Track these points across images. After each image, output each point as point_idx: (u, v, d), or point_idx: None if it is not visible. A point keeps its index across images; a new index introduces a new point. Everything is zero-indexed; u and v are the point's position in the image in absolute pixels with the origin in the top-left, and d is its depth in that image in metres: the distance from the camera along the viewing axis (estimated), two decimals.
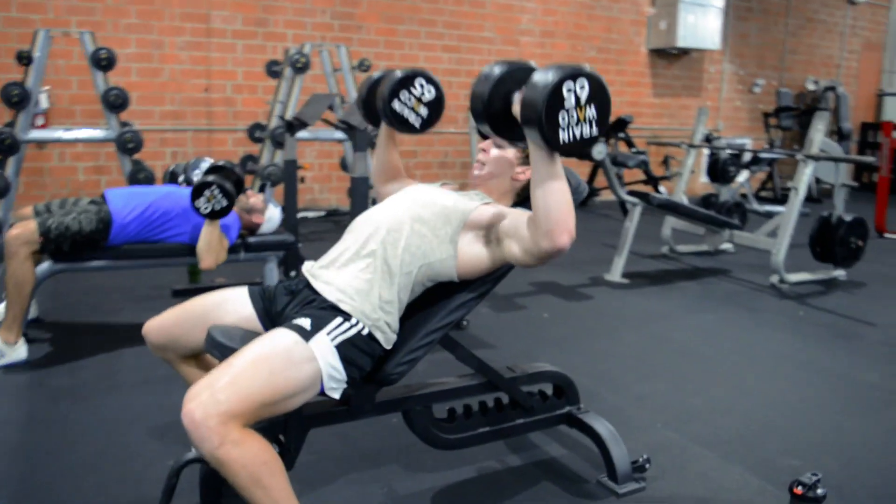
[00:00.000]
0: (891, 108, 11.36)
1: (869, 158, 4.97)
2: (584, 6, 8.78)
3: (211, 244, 3.25)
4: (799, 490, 2.02)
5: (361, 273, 1.89)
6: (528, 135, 1.63)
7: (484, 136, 2.21)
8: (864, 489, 2.38)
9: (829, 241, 4.97)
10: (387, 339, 1.90)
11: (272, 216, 3.73)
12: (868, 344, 3.89)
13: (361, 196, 3.43)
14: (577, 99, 1.56)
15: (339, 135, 5.81)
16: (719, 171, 6.14)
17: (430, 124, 2.26)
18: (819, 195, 9.23)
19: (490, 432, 2.30)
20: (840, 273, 5.20)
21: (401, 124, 2.20)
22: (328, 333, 1.77)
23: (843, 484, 2.38)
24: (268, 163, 5.65)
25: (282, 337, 1.71)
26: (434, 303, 2.03)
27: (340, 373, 1.78)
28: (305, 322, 1.77)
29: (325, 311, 1.83)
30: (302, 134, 5.38)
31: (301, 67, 5.61)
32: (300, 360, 1.70)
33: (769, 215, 7.09)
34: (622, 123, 7.92)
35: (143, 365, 3.14)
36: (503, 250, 1.88)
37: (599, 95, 1.58)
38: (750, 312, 4.41)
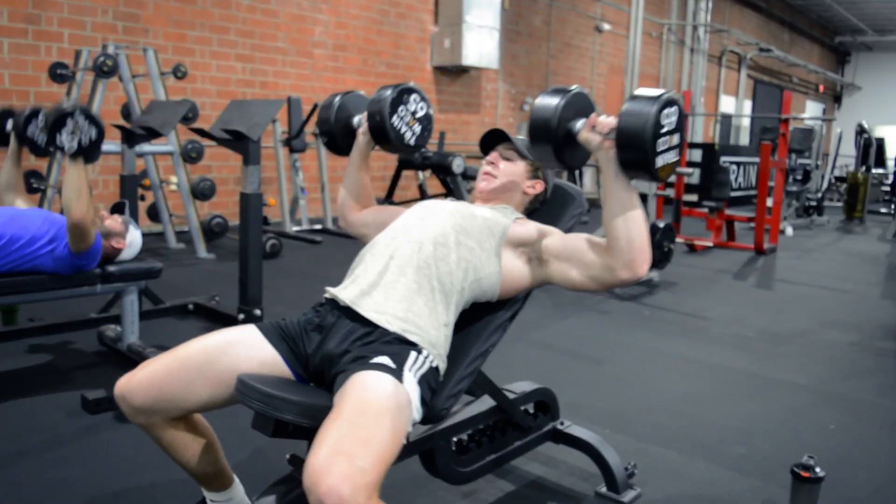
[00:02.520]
0: None
1: (688, 170, 5.50)
2: (373, 21, 8.77)
3: (81, 190, 2.65)
4: (806, 473, 2.14)
5: (416, 295, 1.67)
6: (609, 163, 1.61)
7: (485, 151, 2.09)
8: (791, 464, 2.58)
9: None
10: (443, 368, 1.70)
11: (133, 240, 3.19)
12: (716, 336, 4.30)
13: (256, 214, 3.08)
14: (668, 127, 1.57)
15: (162, 147, 5.18)
16: None
17: (424, 142, 2.11)
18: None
19: (495, 459, 2.16)
20: (654, 274, 5.70)
21: (398, 142, 2.02)
22: (410, 370, 1.54)
23: (773, 461, 2.57)
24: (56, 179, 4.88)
25: (380, 381, 1.45)
26: (470, 325, 1.86)
27: (420, 414, 1.55)
28: (386, 360, 1.52)
29: (393, 345, 1.59)
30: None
31: (108, 71, 4.92)
32: (405, 405, 1.46)
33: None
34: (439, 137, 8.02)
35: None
36: (550, 272, 1.78)
37: (681, 123, 1.61)
38: (604, 315, 4.66)
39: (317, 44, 8.20)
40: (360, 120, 2.09)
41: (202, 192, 5.50)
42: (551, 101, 1.67)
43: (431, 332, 1.65)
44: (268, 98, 7.56)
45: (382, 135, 1.99)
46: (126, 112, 5.66)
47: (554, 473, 2.45)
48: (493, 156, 2.02)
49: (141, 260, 3.22)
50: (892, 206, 11.90)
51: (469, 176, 5.32)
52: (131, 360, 3.16)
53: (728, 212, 7.91)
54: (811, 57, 20.46)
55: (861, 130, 11.34)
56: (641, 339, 4.17)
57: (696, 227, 8.50)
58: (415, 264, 1.70)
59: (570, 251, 1.74)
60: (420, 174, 8.18)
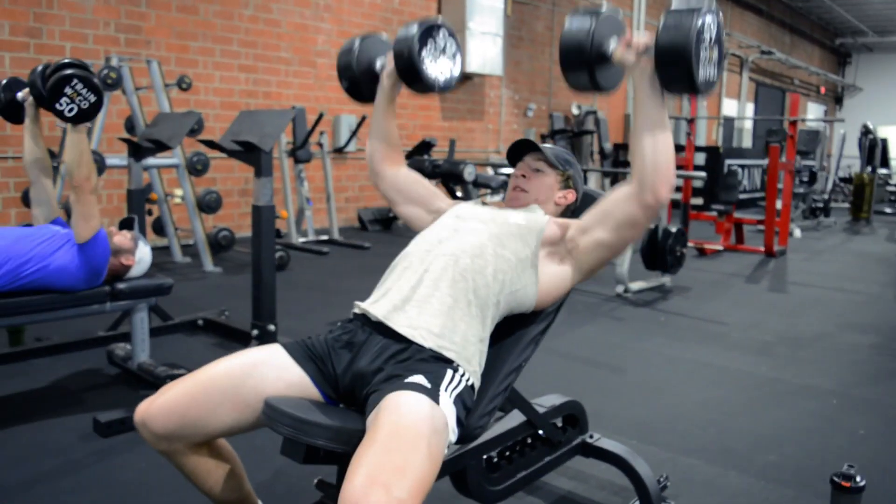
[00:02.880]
0: None
1: (698, 174, 5.44)
2: (376, 29, 8.71)
3: (83, 154, 2.64)
4: (847, 483, 2.07)
5: (452, 311, 1.60)
6: (644, 80, 1.57)
7: (514, 163, 2.02)
8: (826, 473, 2.50)
9: (659, 250, 5.36)
10: (478, 385, 1.63)
11: (143, 256, 3.13)
12: (735, 341, 4.22)
13: (268, 226, 3.01)
14: (710, 38, 1.52)
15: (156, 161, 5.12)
16: None
17: (454, 82, 1.99)
18: None
19: (526, 476, 2.09)
20: (667, 279, 5.63)
21: (427, 80, 1.89)
22: (446, 390, 1.47)
23: (806, 470, 2.50)
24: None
25: (416, 403, 1.38)
26: (502, 340, 1.79)
27: (455, 435, 1.48)
28: (421, 379, 1.45)
29: (428, 363, 1.52)
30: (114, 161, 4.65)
31: (112, 84, 4.86)
32: (441, 429, 1.39)
33: None
34: (427, 146, 7.94)
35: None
36: (582, 255, 1.76)
37: (720, 37, 1.57)
38: (619, 322, 4.59)
39: (320, 53, 8.15)
40: (383, 62, 1.98)
41: (208, 204, 5.45)
42: (583, 23, 1.62)
43: (468, 349, 1.58)
44: (272, 108, 7.52)
45: (412, 74, 1.87)
46: (130, 125, 5.61)
47: (584, 488, 2.38)
48: (522, 167, 1.95)
49: (150, 276, 3.15)
50: None
51: (480, 184, 5.26)
52: (142, 379, 3.10)
53: (736, 215, 7.85)
54: (812, 59, 20.42)
55: (866, 131, 11.29)
56: (659, 345, 4.09)
57: (705, 231, 8.43)
58: (450, 277, 1.63)
59: (590, 216, 1.73)
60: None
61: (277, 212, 3.67)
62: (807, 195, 10.46)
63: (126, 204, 3.78)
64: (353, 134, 7.62)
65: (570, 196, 1.97)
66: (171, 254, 5.89)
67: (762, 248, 7.45)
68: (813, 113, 20.69)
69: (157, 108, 5.57)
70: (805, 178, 10.23)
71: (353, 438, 1.43)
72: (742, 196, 8.09)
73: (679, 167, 9.25)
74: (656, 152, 1.58)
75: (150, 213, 4.91)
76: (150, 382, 3.03)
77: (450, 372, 1.52)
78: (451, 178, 4.47)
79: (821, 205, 10.74)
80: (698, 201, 7.81)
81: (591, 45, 1.60)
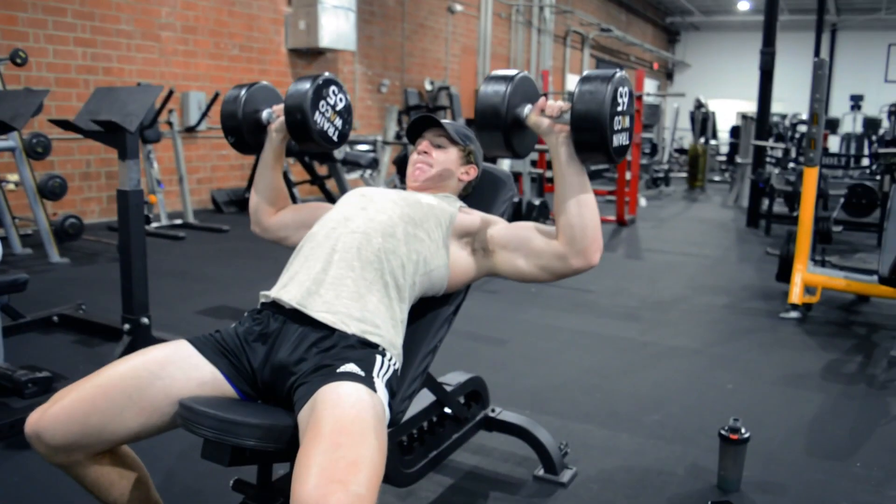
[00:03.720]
0: None
1: None
2: (224, 1, 8.30)
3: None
4: (735, 436, 2.22)
5: (369, 293, 1.55)
6: (560, 147, 1.56)
7: (413, 140, 1.98)
8: (706, 427, 2.69)
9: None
10: (400, 369, 1.59)
11: None
12: (604, 308, 4.42)
13: (136, 212, 2.80)
14: (623, 106, 1.54)
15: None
16: None
17: (346, 136, 1.96)
18: None
19: (437, 455, 2.08)
20: None
21: (321, 138, 1.85)
22: (378, 376, 1.42)
23: (689, 426, 2.66)
24: None
25: (355, 394, 1.33)
26: (416, 322, 1.76)
27: (387, 421, 1.44)
28: (354, 368, 1.39)
29: (356, 350, 1.46)
30: None
31: None
32: (382, 416, 1.35)
33: None
34: None
35: None
36: (496, 263, 1.71)
37: (632, 103, 1.59)
38: (493, 295, 4.67)
39: (164, 26, 7.65)
40: (269, 114, 1.91)
41: (52, 190, 4.99)
42: (499, 88, 1.60)
43: (391, 332, 1.54)
44: (114, 85, 7.00)
45: (304, 133, 1.82)
46: None
47: (488, 462, 2.40)
48: (423, 144, 1.91)
49: (2, 272, 2.86)
50: (728, 175, 12.80)
51: (350, 161, 5.15)
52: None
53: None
54: (646, 37, 21.59)
55: (699, 105, 12.10)
56: (535, 315, 4.21)
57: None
58: (364, 258, 1.57)
59: (518, 240, 1.67)
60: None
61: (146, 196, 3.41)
62: (649, 166, 11.09)
63: None
64: (205, 113, 7.25)
65: (472, 171, 1.95)
66: (10, 245, 5.37)
67: (614, 218, 7.83)
68: (647, 88, 21.93)
69: None
70: (647, 151, 10.85)
71: (284, 436, 1.36)
72: (592, 168, 8.48)
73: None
74: (583, 218, 1.56)
75: None
76: (10, 389, 2.75)
77: (379, 357, 1.47)
78: (320, 157, 4.34)
79: (662, 175, 11.43)
80: (550, 174, 8.09)
81: (507, 110, 1.58)
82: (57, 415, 1.38)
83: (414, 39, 11.59)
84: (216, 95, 6.93)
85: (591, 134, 1.50)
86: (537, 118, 1.58)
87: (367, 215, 1.66)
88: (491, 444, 2.49)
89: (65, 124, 2.89)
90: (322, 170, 7.26)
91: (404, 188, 1.92)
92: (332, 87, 1.86)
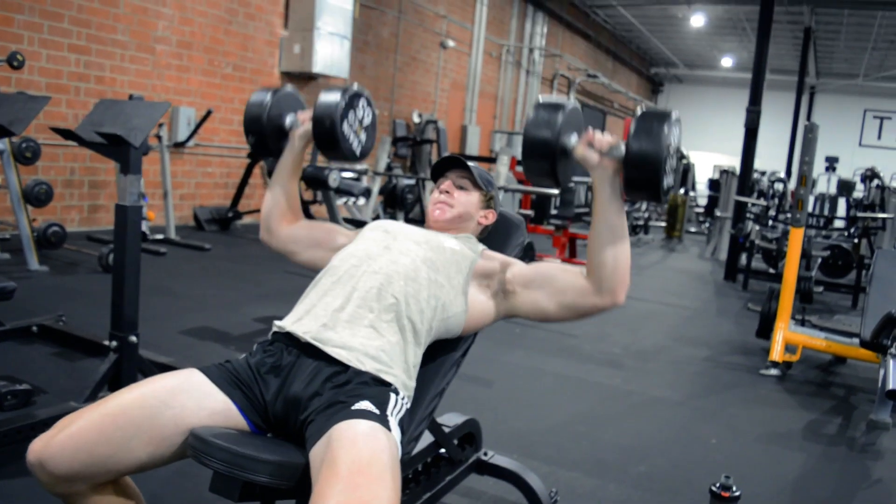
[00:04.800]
0: (472, 139, 13.05)
1: (553, 191, 5.65)
2: (221, 20, 8.31)
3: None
4: (726, 493, 2.22)
5: (387, 334, 1.54)
6: (605, 183, 1.56)
7: (436, 178, 1.98)
8: (693, 481, 2.69)
9: None
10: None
11: None
12: (588, 354, 4.43)
13: (134, 228, 2.76)
14: (673, 148, 1.55)
15: None
16: (398, 197, 6.37)
17: (368, 152, 1.97)
18: None
19: (430, 497, 2.05)
20: None
21: (346, 151, 1.86)
22: (392, 414, 1.41)
23: (675, 479, 2.66)
24: None
25: (372, 433, 1.31)
26: (425, 365, 1.74)
27: None
28: (369, 406, 1.38)
29: (371, 387, 1.44)
30: None
31: None
32: (396, 455, 1.33)
33: None
34: None
35: None
36: (517, 303, 1.71)
37: (679, 146, 1.60)
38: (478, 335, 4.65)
39: (159, 39, 7.63)
40: (293, 120, 1.92)
41: (37, 196, 4.91)
42: (550, 117, 1.60)
43: (402, 375, 1.53)
44: (104, 95, 6.95)
45: (331, 143, 1.83)
46: None
47: None
48: (446, 184, 1.91)
49: None
50: (706, 227, 12.98)
51: (342, 190, 5.14)
52: None
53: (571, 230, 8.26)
54: (630, 85, 21.99)
55: (681, 156, 12.29)
56: (520, 357, 4.20)
57: (540, 244, 8.78)
58: (383, 300, 1.56)
59: (542, 278, 1.68)
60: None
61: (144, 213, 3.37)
62: (630, 214, 11.22)
63: None
64: (195, 130, 7.22)
65: (491, 216, 1.96)
66: None
67: None
68: None
69: None
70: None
71: (296, 473, 1.34)
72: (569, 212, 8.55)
73: (520, 181, 9.61)
74: (617, 259, 1.57)
75: None
76: None
77: (392, 396, 1.46)
78: (314, 184, 4.33)
79: (641, 223, 11.56)
80: (530, 213, 8.14)
81: (557, 139, 1.58)
82: (63, 443, 1.33)
83: (405, 71, 11.67)
84: (208, 113, 6.91)
85: (644, 172, 1.50)
86: (585, 151, 1.58)
87: (391, 256, 1.65)
88: (479, 488, 2.47)
89: (67, 133, 2.85)
90: (307, 195, 7.25)
91: (394, 219, 1.92)
92: (362, 101, 1.89)
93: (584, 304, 1.62)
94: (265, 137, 1.93)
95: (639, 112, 1.56)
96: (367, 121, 1.91)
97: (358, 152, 1.91)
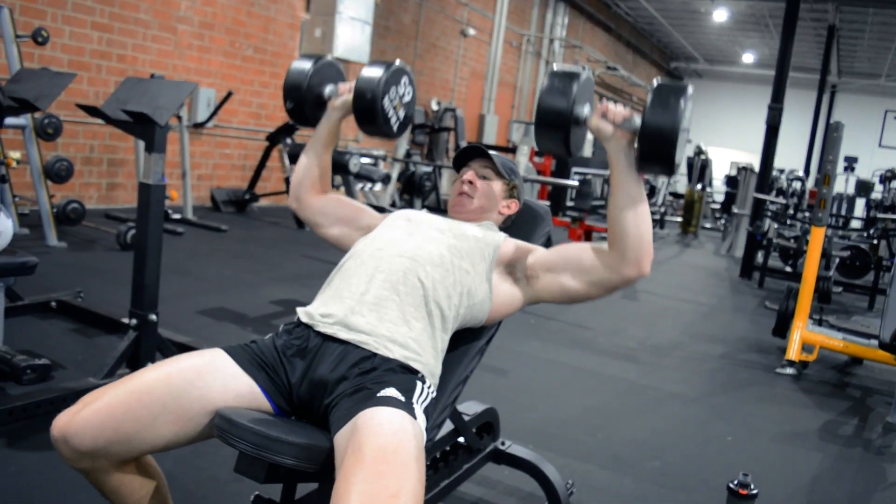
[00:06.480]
0: (489, 128, 13.00)
1: (571, 182, 5.62)
2: (243, 1, 8.30)
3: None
4: (744, 491, 2.21)
5: (414, 320, 1.53)
6: (621, 154, 1.54)
7: (458, 168, 1.97)
8: (708, 478, 2.68)
9: None
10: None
11: (4, 230, 2.79)
12: (603, 347, 4.41)
13: (157, 207, 2.77)
14: (687, 122, 1.53)
15: None
16: (416, 184, 6.36)
17: (405, 129, 1.97)
18: None
19: (447, 485, 2.05)
20: None
21: (384, 125, 1.86)
22: (418, 402, 1.40)
23: (691, 476, 2.65)
24: None
25: (398, 420, 1.30)
26: (450, 352, 1.74)
27: None
28: (395, 393, 1.37)
29: (397, 374, 1.44)
30: None
31: None
32: (422, 443, 1.32)
33: None
34: (291, 129, 7.72)
35: None
36: (541, 288, 1.70)
37: (689, 120, 1.57)
38: None
39: (182, 19, 7.63)
40: (332, 90, 1.91)
41: (58, 173, 4.92)
42: (566, 86, 1.57)
43: (431, 361, 1.52)
44: (126, 73, 6.96)
45: (370, 116, 1.83)
46: None
47: (493, 494, 2.38)
48: (469, 174, 1.90)
49: (11, 253, 2.81)
50: (722, 223, 12.90)
51: (363, 175, 5.13)
52: None
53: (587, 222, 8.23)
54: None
55: (699, 152, 12.21)
56: (535, 348, 4.19)
57: (556, 236, 8.76)
58: (410, 284, 1.55)
59: (566, 260, 1.67)
60: (288, 166, 7.82)
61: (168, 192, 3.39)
62: None
63: None
64: (215, 111, 7.22)
65: (514, 206, 1.95)
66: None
67: None
68: None
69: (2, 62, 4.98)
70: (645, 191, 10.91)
71: (321, 457, 1.33)
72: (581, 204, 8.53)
73: (539, 172, 9.58)
74: (639, 228, 1.55)
75: (4, 180, 4.33)
76: (7, 373, 2.70)
77: (419, 384, 1.45)
78: (334, 168, 4.32)
79: (657, 217, 11.50)
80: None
81: (571, 110, 1.56)
82: (89, 419, 1.33)
83: (425, 58, 11.63)
84: (229, 94, 6.90)
85: (659, 146, 1.48)
86: (600, 122, 1.57)
87: (416, 242, 1.64)
88: (495, 477, 2.47)
89: (92, 110, 2.85)
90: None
91: (412, 207, 1.91)
92: (405, 78, 1.89)
93: (611, 279, 1.60)
94: (303, 104, 1.93)
95: (655, 84, 1.53)
96: (407, 97, 1.90)
97: (395, 129, 1.90)
